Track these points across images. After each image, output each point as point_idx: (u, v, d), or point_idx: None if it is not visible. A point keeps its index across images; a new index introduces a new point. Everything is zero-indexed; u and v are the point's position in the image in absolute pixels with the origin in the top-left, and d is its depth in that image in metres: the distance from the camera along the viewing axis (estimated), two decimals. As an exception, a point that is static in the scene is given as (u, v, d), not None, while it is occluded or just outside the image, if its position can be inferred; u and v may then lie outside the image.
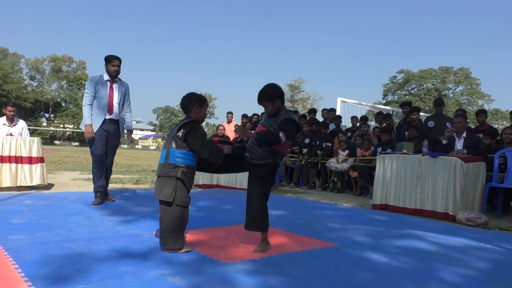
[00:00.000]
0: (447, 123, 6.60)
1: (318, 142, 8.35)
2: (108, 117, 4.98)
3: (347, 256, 2.96)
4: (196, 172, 3.00)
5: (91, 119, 4.91)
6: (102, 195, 4.94)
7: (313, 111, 9.89)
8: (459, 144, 5.62)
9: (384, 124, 8.19)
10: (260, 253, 2.89)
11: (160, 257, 2.64)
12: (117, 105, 5.08)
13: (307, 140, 8.54)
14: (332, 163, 7.91)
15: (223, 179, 7.76)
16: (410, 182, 5.24)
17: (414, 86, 51.33)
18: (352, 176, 7.70)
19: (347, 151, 7.94)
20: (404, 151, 5.77)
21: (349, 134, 8.76)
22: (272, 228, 3.32)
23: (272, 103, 2.99)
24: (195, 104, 2.93)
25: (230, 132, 9.91)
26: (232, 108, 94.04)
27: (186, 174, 2.79)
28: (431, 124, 6.85)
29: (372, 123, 13.81)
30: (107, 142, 5.02)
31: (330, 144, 8.21)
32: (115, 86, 5.08)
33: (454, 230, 4.27)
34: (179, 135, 2.79)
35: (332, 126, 9.06)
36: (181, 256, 2.70)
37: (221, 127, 8.69)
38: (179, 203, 2.77)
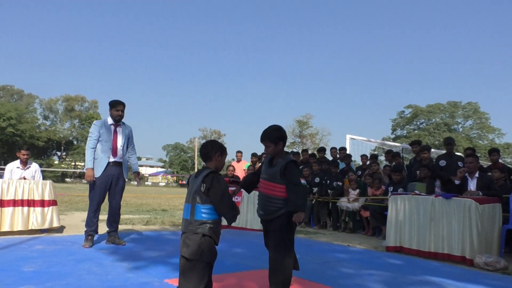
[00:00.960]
0: (459, 162, 6.55)
1: (328, 181, 8.30)
2: (112, 159, 5.07)
3: (363, 306, 2.87)
4: None
5: (93, 163, 5.00)
6: (93, 239, 5.02)
7: (322, 149, 9.91)
8: (472, 184, 5.55)
9: (394, 163, 8.14)
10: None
11: (171, 310, 2.59)
12: (121, 148, 5.18)
13: (317, 179, 8.49)
14: (343, 202, 7.83)
15: (233, 219, 7.67)
16: (424, 224, 5.14)
17: (423, 120, 51.32)
18: (363, 216, 7.58)
19: (358, 190, 7.87)
20: (417, 191, 5.70)
21: (359, 172, 8.72)
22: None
23: (275, 145, 3.03)
24: (217, 151, 2.85)
25: (240, 171, 9.93)
26: (241, 145, 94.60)
27: (213, 230, 2.69)
28: (442, 163, 6.81)
29: (382, 158, 13.74)
30: (112, 185, 5.08)
31: (340, 183, 8.15)
32: (119, 129, 5.21)
33: (473, 276, 4.14)
34: (202, 189, 2.71)
35: (342, 165, 9.04)
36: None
37: (231, 168, 8.71)
38: (205, 260, 2.64)
